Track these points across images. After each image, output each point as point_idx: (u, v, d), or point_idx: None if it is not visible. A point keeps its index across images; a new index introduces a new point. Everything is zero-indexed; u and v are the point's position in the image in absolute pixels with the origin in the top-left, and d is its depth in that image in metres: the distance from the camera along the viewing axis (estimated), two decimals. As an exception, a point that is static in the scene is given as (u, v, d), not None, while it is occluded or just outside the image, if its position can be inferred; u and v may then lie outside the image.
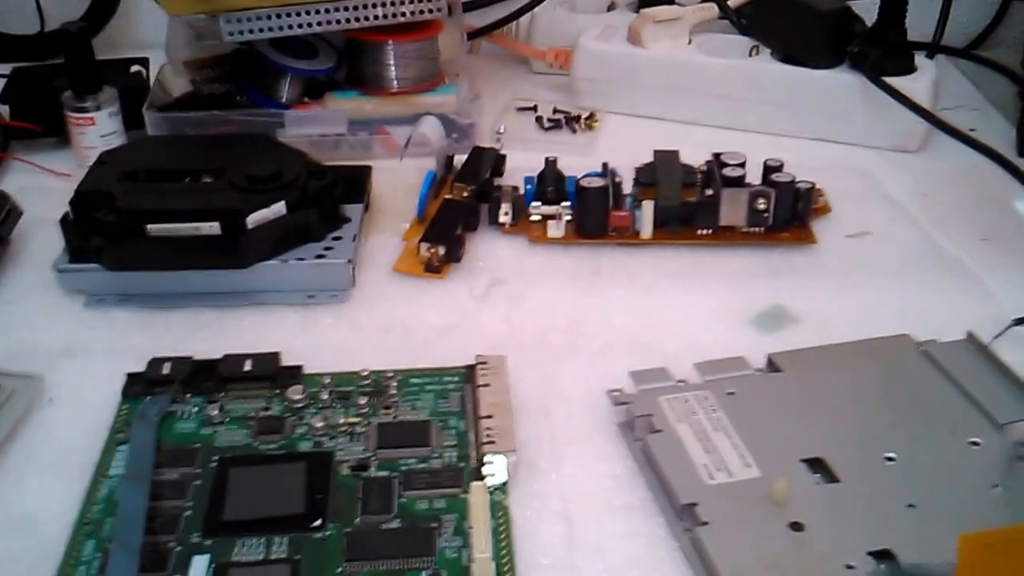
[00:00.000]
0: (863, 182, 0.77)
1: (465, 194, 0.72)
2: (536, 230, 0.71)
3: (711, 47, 0.86)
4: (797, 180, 0.69)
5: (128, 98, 0.80)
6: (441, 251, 0.67)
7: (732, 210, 0.68)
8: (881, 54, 0.80)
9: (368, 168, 0.75)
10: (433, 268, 0.67)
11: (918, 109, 0.77)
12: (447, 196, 0.72)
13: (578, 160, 0.74)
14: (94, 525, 0.48)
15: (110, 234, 0.63)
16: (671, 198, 0.69)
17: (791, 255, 0.68)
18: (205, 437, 0.54)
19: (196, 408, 0.55)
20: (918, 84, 0.79)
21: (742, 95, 0.84)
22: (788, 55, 0.83)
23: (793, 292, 0.65)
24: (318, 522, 0.48)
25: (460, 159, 0.76)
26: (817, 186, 0.70)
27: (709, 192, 0.69)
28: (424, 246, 0.67)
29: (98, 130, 0.78)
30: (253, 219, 0.63)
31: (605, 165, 0.71)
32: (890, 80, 0.79)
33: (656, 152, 0.71)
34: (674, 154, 0.71)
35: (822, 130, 0.82)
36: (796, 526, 0.47)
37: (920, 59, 0.82)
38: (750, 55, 0.86)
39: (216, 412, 0.54)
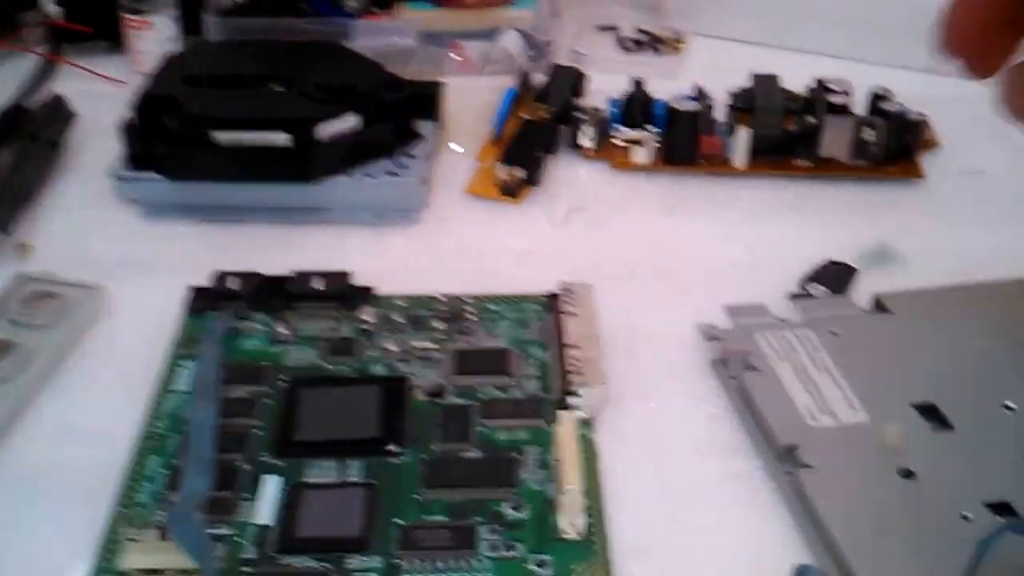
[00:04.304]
0: (975, 117, 0.75)
1: (545, 115, 0.72)
2: (620, 155, 0.70)
3: (813, -35, 0.85)
4: (907, 110, 0.67)
5: (187, 1, 0.80)
6: (519, 174, 0.67)
7: (835, 140, 0.67)
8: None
9: (441, 84, 0.74)
10: (510, 191, 0.67)
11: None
12: (526, 116, 0.72)
13: (662, 84, 0.73)
14: (159, 440, 0.49)
15: (173, 141, 0.63)
16: (770, 125, 0.68)
17: (897, 191, 0.68)
18: (273, 355, 0.54)
19: (263, 326, 0.56)
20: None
21: (846, 19, 0.82)
22: (897, -23, 0.82)
23: (899, 230, 0.64)
24: (394, 447, 0.49)
25: (538, 79, 0.76)
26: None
27: (811, 120, 0.67)
28: (502, 168, 0.67)
29: (155, 34, 0.78)
30: (324, 130, 0.63)
31: (699, 88, 0.70)
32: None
33: (754, 76, 0.70)
34: (774, 78, 0.70)
35: (932, 60, 0.80)
36: (907, 473, 0.46)
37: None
38: (856, -25, 0.84)
39: (284, 330, 0.55)
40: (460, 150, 0.71)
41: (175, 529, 0.43)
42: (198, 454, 0.46)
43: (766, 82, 0.70)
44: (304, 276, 0.57)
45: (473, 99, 0.75)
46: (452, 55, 0.80)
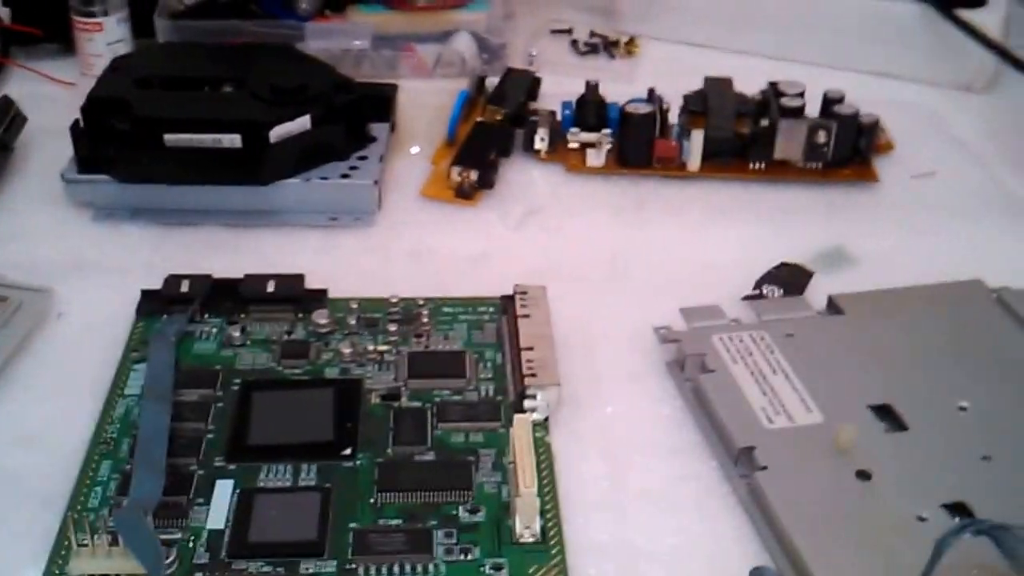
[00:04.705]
0: (927, 121, 0.76)
1: (498, 117, 0.71)
2: (574, 158, 0.70)
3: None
4: (861, 113, 0.67)
5: (137, 4, 0.79)
6: (473, 176, 0.66)
7: (789, 143, 0.67)
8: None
9: (394, 86, 0.73)
10: (464, 193, 0.66)
11: (990, 44, 0.76)
12: (479, 119, 0.71)
13: (616, 87, 0.73)
14: (110, 445, 0.48)
15: (124, 143, 0.62)
16: (723, 128, 0.68)
17: (851, 193, 0.68)
18: (225, 359, 0.53)
19: (215, 329, 0.55)
20: (990, 17, 0.78)
21: (798, 23, 0.82)
22: (850, -19, 0.82)
23: (853, 232, 0.64)
24: (348, 451, 0.48)
25: (492, 81, 0.75)
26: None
27: (764, 123, 0.67)
28: (456, 170, 0.66)
29: (105, 37, 0.77)
30: (276, 133, 0.62)
31: (651, 91, 0.70)
32: (959, 12, 0.77)
33: (707, 79, 0.70)
34: (727, 81, 0.70)
35: (883, 64, 0.81)
36: (863, 475, 0.46)
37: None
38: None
39: (237, 334, 0.54)
40: (418, 151, 0.71)
41: (123, 532, 0.42)
42: (148, 458, 0.45)
43: (719, 85, 0.70)
44: (257, 279, 0.57)
45: (427, 101, 0.75)
46: (404, 58, 0.79)
